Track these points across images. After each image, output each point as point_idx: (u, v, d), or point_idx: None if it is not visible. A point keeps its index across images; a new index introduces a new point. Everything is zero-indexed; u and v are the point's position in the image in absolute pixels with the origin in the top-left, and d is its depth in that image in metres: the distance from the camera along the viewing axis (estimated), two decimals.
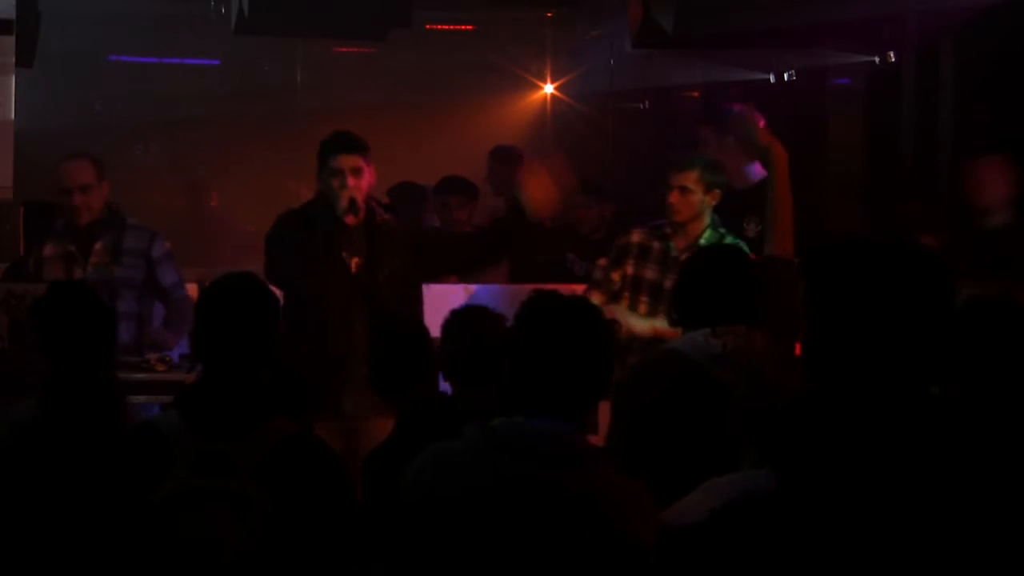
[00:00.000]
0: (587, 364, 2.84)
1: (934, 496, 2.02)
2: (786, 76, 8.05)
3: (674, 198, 5.56)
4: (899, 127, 7.33)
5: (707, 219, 5.61)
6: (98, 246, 6.01)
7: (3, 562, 3.64)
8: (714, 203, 5.59)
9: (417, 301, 5.45)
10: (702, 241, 5.53)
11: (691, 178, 5.55)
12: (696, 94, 9.62)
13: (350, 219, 5.31)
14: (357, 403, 5.10)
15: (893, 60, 7.25)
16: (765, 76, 8.28)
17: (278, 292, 3.59)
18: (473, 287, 6.29)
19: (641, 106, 9.79)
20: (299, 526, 3.12)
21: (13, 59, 6.31)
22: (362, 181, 5.34)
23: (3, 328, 5.32)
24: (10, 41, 6.28)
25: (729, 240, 5.52)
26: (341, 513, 3.24)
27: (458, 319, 4.10)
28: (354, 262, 5.34)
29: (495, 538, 2.74)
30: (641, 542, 2.76)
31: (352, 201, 5.29)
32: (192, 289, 6.05)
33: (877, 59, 7.36)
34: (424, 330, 4.00)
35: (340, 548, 3.21)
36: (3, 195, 6.44)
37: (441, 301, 5.42)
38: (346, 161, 5.33)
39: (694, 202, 5.55)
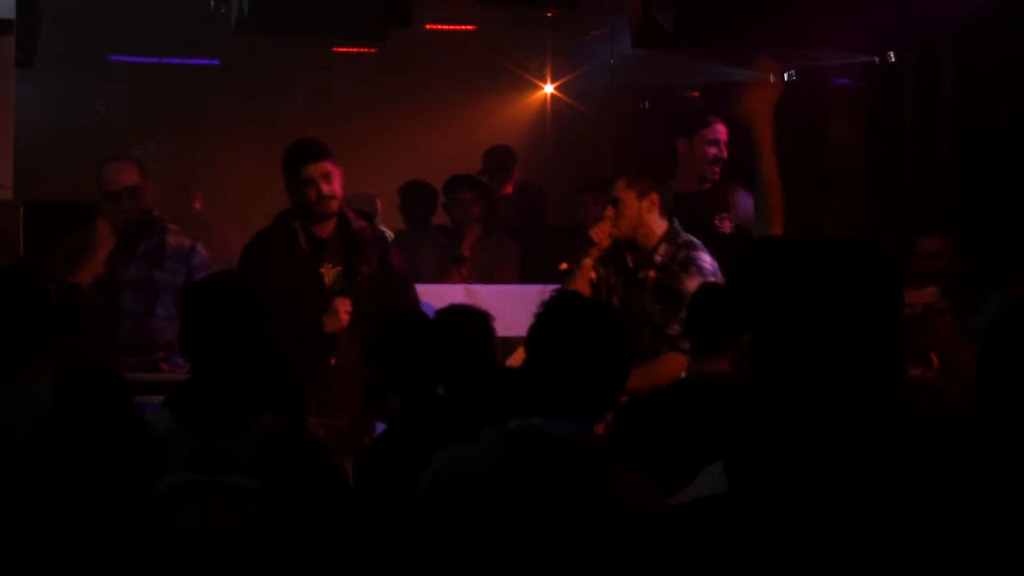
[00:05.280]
0: (605, 367, 2.84)
1: (876, 495, 2.02)
2: (786, 76, 8.04)
3: (609, 212, 5.31)
4: (899, 127, 7.33)
5: (661, 230, 5.28)
6: (140, 248, 5.96)
7: (5, 556, 3.64)
8: (656, 208, 5.28)
9: (394, 307, 5.40)
10: (658, 257, 5.23)
11: (619, 187, 5.31)
12: (696, 94, 9.61)
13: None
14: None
15: (893, 60, 7.25)
16: (765, 76, 8.26)
17: None
18: (474, 287, 6.28)
19: (641, 106, 9.78)
20: (294, 518, 3.18)
21: (13, 59, 6.30)
22: (335, 185, 5.31)
23: None
24: (10, 41, 6.27)
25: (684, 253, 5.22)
26: (334, 504, 3.29)
27: (445, 319, 4.15)
28: (332, 272, 5.32)
29: (512, 538, 2.75)
30: (657, 539, 2.76)
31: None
32: None
33: (877, 59, 7.35)
34: (432, 327, 4.01)
35: (334, 538, 3.24)
36: (3, 195, 6.43)
37: (441, 301, 5.41)
38: (316, 169, 5.29)
39: (631, 213, 5.28)
